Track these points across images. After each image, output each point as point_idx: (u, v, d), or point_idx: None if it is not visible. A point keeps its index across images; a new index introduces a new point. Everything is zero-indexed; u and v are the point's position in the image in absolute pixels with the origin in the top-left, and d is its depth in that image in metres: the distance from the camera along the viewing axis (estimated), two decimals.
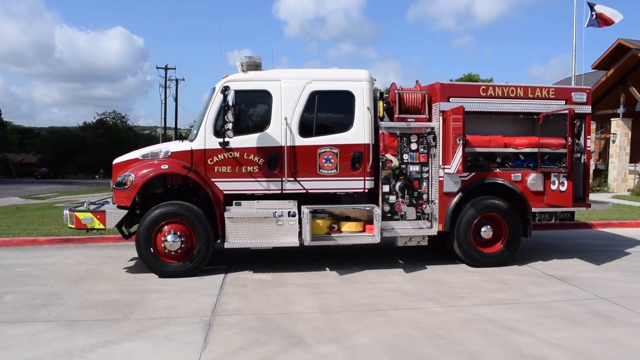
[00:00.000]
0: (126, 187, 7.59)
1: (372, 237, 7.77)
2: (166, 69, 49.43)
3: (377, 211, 7.67)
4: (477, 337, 5.12)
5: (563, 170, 7.69)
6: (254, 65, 7.98)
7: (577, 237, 11.05)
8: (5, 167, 50.55)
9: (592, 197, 17.29)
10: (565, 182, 7.69)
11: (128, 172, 7.67)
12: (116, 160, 8.11)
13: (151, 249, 7.52)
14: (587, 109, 8.28)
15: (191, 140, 7.81)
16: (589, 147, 8.32)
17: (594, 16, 15.73)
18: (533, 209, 8.21)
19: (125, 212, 7.63)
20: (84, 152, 57.44)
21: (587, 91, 8.31)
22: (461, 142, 7.46)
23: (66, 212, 7.76)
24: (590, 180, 21.76)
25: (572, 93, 8.24)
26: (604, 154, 23.05)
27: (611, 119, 21.96)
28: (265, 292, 6.82)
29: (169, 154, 7.76)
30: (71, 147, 56.67)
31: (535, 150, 8.25)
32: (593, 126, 22.88)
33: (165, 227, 7.53)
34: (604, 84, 22.22)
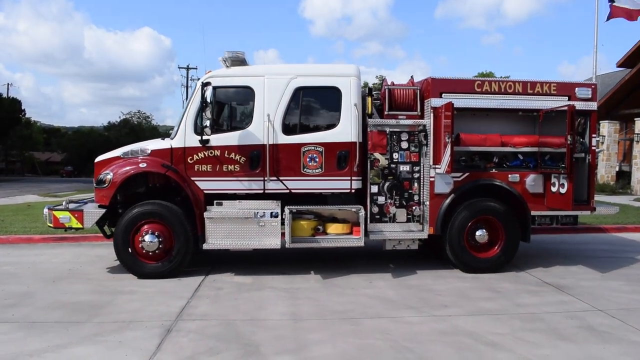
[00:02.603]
0: (105, 185, 7.41)
1: (357, 239, 7.40)
2: (188, 68, 49.88)
3: (362, 213, 7.30)
4: (448, 352, 4.70)
5: (563, 171, 7.17)
6: (238, 61, 7.72)
7: (586, 242, 10.44)
8: (32, 165, 51.76)
9: (615, 199, 16.68)
10: (566, 184, 7.17)
11: (107, 170, 7.50)
12: (98, 158, 7.95)
13: (129, 249, 7.32)
14: (592, 105, 7.72)
15: (172, 138, 7.58)
16: (594, 146, 7.76)
17: (611, 9, 14.97)
18: (532, 212, 7.70)
19: (103, 211, 7.44)
20: (107, 151, 58.08)
21: (592, 87, 7.75)
22: (450, 140, 7.02)
23: (46, 210, 7.63)
24: (614, 181, 20.98)
25: (576, 89, 7.69)
26: (628, 155, 22.03)
27: (635, 119, 20.95)
28: (239, 295, 6.53)
29: (149, 152, 7.55)
30: (95, 146, 57.66)
31: (535, 149, 7.75)
32: (616, 126, 21.94)
33: (144, 227, 7.33)
34: (628, 82, 21.28)
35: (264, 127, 7.36)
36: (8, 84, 48.82)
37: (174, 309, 5.98)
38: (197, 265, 8.04)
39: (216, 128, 7.53)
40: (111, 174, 7.41)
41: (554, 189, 7.47)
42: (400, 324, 5.45)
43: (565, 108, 7.12)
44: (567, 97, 7.67)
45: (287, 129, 7.46)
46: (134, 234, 7.34)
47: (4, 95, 42.65)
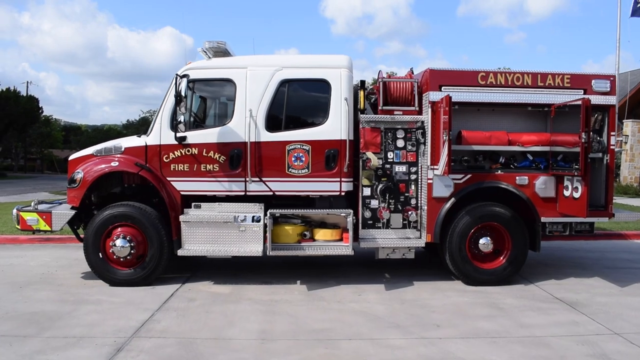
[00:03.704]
0: (75, 185, 6.91)
1: (345, 247, 6.73)
2: None
3: (351, 218, 6.63)
4: None
5: (577, 173, 6.38)
6: (221, 52, 7.12)
7: (605, 250, 9.57)
8: (50, 163, 52.24)
9: (638, 202, 15.58)
10: (580, 187, 6.38)
11: (79, 169, 6.99)
12: (72, 157, 7.45)
13: (100, 254, 6.79)
14: (611, 99, 6.90)
15: (147, 135, 7.02)
16: (614, 145, 6.93)
17: (639, 4, 13.98)
18: (543, 219, 6.92)
19: (72, 213, 6.93)
20: None
21: (611, 79, 6.92)
22: (447, 138, 6.30)
23: (14, 211, 7.15)
24: (638, 183, 19.73)
25: (593, 81, 6.87)
26: None
27: None
28: (211, 308, 5.93)
29: (123, 149, 7.01)
30: None
31: (546, 148, 6.97)
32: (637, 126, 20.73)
33: (115, 231, 6.79)
34: None
35: (246, 123, 6.75)
36: (27, 82, 49.38)
37: (134, 323, 5.40)
38: (178, 271, 7.50)
39: (194, 124, 6.99)
40: (82, 173, 6.89)
41: (566, 193, 6.68)
42: (382, 347, 4.77)
43: (580, 102, 6.32)
44: (582, 91, 6.87)
45: (271, 126, 6.83)
46: (105, 238, 6.81)
47: (24, 93, 43.08)
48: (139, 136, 7.19)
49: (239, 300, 6.25)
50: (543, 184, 6.87)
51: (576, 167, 6.36)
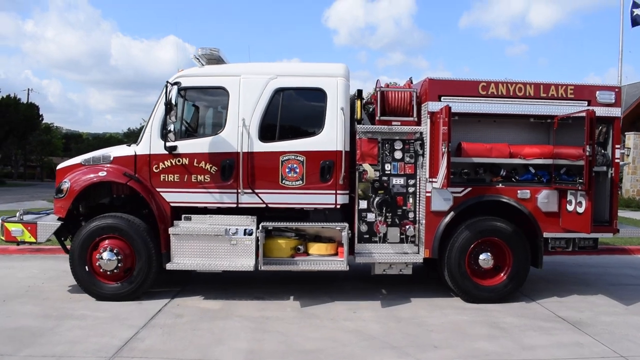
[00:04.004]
0: (62, 195, 6.70)
1: (340, 262, 6.49)
2: None
3: (346, 232, 6.39)
4: None
5: (581, 187, 6.15)
6: (214, 59, 6.94)
7: (608, 265, 9.31)
8: (51, 170, 52.16)
9: None
10: (584, 202, 6.15)
11: (66, 179, 6.78)
12: (60, 165, 7.24)
13: (86, 267, 6.56)
14: (616, 111, 6.70)
15: (137, 144, 6.82)
16: (618, 158, 6.71)
17: (634, 13, 13.96)
18: (545, 234, 6.68)
19: (58, 224, 6.71)
20: None
21: (616, 90, 6.72)
22: (446, 149, 6.08)
23: None
24: None
25: (597, 92, 6.67)
26: None
27: None
28: (199, 325, 5.68)
29: (111, 159, 6.81)
30: None
31: (549, 161, 6.76)
32: None
33: (103, 243, 6.57)
34: None
35: (238, 132, 6.54)
36: (28, 89, 49.52)
37: (117, 341, 5.16)
38: (168, 285, 7.26)
39: (186, 133, 6.80)
40: (69, 183, 6.69)
41: (570, 208, 6.45)
42: None
43: (584, 114, 6.11)
44: (586, 102, 6.67)
45: (265, 136, 6.63)
46: (91, 251, 6.59)
47: (25, 100, 43.04)
48: (129, 145, 6.99)
49: (228, 317, 6.01)
50: (545, 198, 6.64)
51: (580, 181, 6.13)
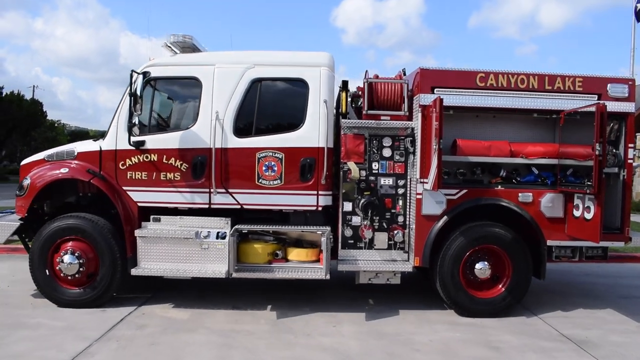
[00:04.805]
0: (22, 193, 6.21)
1: (320, 270, 5.90)
2: None
3: (326, 238, 5.79)
4: None
5: (589, 190, 5.50)
6: (188, 48, 6.40)
7: (618, 275, 8.61)
8: None
9: None
10: (592, 207, 5.50)
11: (27, 176, 6.28)
12: (24, 161, 6.76)
13: (46, 270, 6.05)
14: (629, 107, 6.03)
15: (103, 139, 6.29)
16: (631, 158, 6.05)
17: (638, 8, 13.37)
18: (549, 242, 6.04)
19: (17, 224, 6.21)
20: None
21: (629, 83, 6.04)
22: (437, 147, 5.46)
23: None
24: None
25: (608, 85, 6.01)
26: None
27: None
28: (160, 339, 5.13)
29: (75, 154, 6.29)
30: None
31: (554, 161, 6.12)
32: None
33: (65, 245, 6.05)
34: None
35: (211, 126, 5.98)
36: (34, 86, 49.25)
37: (64, 355, 4.64)
38: (140, 290, 6.72)
39: (156, 127, 6.26)
40: (29, 180, 6.20)
41: (577, 213, 5.80)
42: None
43: (593, 109, 5.46)
44: (596, 96, 6.01)
45: (240, 130, 6.07)
46: (52, 253, 6.08)
47: (31, 97, 42.89)
48: (95, 140, 6.46)
49: (194, 329, 5.44)
50: (550, 202, 6.00)
51: (588, 183, 5.48)
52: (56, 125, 51.79)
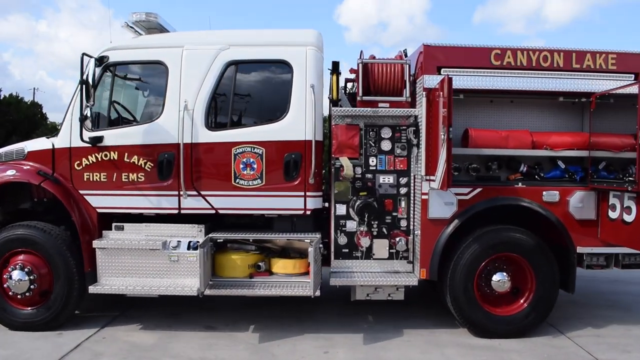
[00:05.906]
0: None
1: (307, 285, 5.02)
2: None
3: (314, 247, 4.88)
4: None
5: (629, 188, 4.57)
6: (154, 28, 5.54)
7: None
8: None
9: None
10: (633, 207, 4.57)
11: None
12: None
13: None
14: None
15: (56, 136, 5.46)
16: None
17: None
18: (579, 249, 5.11)
19: None
20: None
21: None
22: (445, 137, 4.54)
23: None
24: None
25: None
26: None
27: None
28: None
29: (25, 154, 5.46)
30: None
31: (585, 153, 5.18)
32: None
33: (14, 259, 5.23)
34: None
35: (179, 118, 5.12)
36: (34, 89, 48.71)
37: None
38: (108, 308, 5.92)
39: (117, 121, 5.41)
40: None
41: (613, 215, 4.87)
42: None
43: (635, 90, 4.52)
44: (633, 76, 5.07)
45: (213, 122, 5.24)
46: (1, 268, 5.25)
47: (31, 99, 42.39)
48: (48, 137, 5.63)
49: (159, 358, 4.59)
50: (580, 202, 5.07)
51: (630, 179, 4.55)
52: (57, 127, 51.21)
